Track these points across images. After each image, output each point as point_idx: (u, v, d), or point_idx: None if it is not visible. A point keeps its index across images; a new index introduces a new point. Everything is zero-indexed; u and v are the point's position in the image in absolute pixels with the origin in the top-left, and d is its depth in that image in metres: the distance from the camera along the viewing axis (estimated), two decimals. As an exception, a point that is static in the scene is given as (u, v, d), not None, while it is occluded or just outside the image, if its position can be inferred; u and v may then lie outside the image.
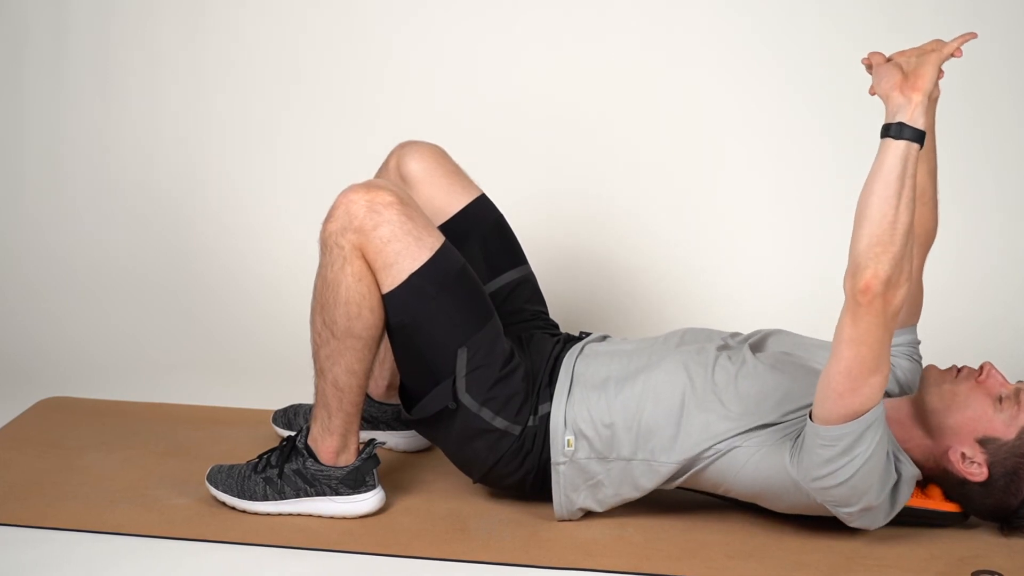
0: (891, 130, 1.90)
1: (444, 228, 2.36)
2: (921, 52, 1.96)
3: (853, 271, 1.91)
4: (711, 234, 3.27)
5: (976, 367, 2.17)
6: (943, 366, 2.20)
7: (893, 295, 1.90)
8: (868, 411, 1.99)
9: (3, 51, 3.41)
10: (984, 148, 3.21)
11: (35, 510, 2.28)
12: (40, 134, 3.43)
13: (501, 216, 2.48)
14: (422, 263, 2.17)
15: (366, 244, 2.15)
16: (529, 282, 2.48)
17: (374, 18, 3.33)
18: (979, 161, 3.21)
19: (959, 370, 2.17)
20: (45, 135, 3.42)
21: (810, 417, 2.04)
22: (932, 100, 2.11)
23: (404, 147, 2.48)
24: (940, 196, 2.29)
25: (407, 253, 2.16)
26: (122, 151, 3.40)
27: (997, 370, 2.15)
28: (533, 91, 3.30)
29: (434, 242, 2.19)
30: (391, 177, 2.46)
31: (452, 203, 2.44)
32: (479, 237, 2.43)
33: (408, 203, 2.20)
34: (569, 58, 3.29)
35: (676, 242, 3.26)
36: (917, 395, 2.19)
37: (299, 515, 2.28)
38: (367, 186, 2.19)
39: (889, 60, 1.98)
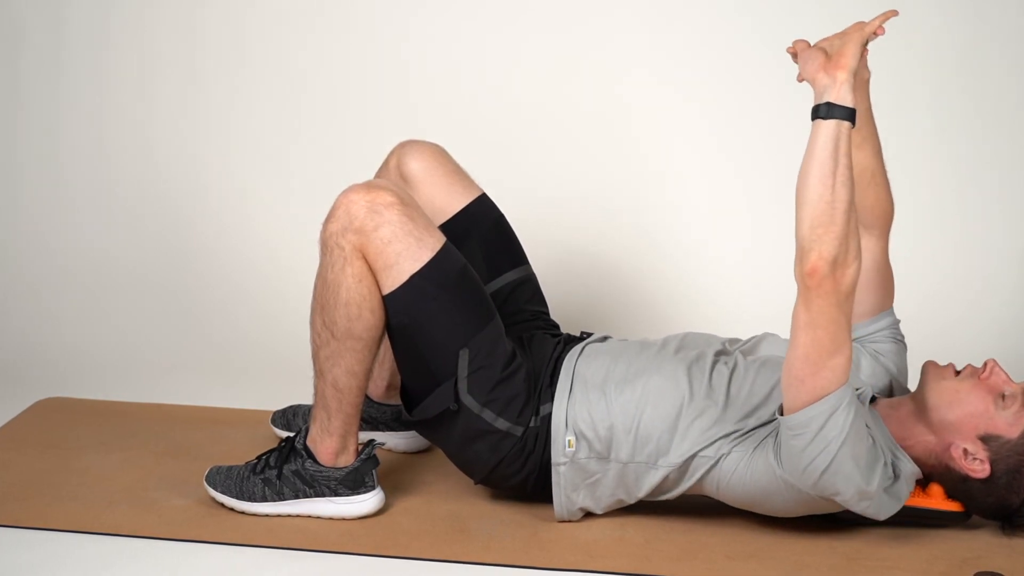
0: (820, 111, 1.92)
1: (444, 228, 2.35)
2: (843, 34, 1.98)
3: (800, 256, 1.91)
4: (712, 235, 3.26)
5: (979, 365, 2.17)
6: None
7: (843, 274, 1.90)
8: (831, 393, 1.97)
9: (1, 51, 3.41)
10: (985, 150, 3.20)
11: (33, 511, 2.27)
12: (39, 134, 3.42)
13: (502, 216, 2.47)
14: (423, 264, 2.16)
15: (367, 245, 2.14)
16: (530, 282, 2.47)
17: (374, 18, 3.33)
18: (979, 163, 3.20)
19: (959, 370, 2.17)
20: (44, 135, 3.41)
21: (780, 413, 2.04)
22: (863, 81, 2.14)
23: (404, 146, 2.48)
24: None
25: (408, 254, 2.15)
26: (121, 151, 3.39)
27: (1001, 368, 2.14)
28: (534, 91, 3.29)
29: (435, 242, 2.18)
30: (391, 177, 2.45)
31: (453, 202, 2.43)
32: (479, 237, 2.42)
33: (409, 203, 2.19)
34: (570, 58, 3.28)
35: (677, 243, 3.25)
36: (917, 392, 2.18)
37: (298, 516, 2.27)
38: (367, 186, 2.18)
39: (814, 46, 1.98)
